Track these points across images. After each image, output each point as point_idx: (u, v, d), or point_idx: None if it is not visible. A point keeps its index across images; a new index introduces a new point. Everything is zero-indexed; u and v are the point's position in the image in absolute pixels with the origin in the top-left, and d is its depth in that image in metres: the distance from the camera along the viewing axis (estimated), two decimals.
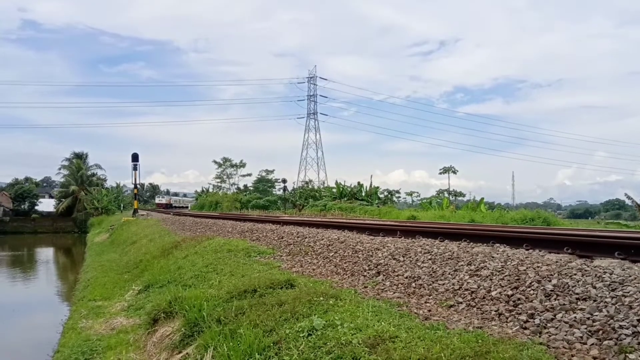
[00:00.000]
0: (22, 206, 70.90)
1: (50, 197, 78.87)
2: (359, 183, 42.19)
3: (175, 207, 76.62)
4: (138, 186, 44.92)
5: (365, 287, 6.06)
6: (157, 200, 71.83)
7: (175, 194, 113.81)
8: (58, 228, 64.58)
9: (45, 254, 40.34)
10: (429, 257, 6.28)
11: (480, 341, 3.51)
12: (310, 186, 63.23)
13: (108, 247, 25.87)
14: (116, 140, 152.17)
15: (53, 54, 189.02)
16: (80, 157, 71.92)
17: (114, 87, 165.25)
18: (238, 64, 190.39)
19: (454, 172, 74.80)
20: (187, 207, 78.94)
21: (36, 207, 72.01)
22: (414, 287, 5.61)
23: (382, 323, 4.13)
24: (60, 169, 71.82)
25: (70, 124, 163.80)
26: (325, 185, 66.09)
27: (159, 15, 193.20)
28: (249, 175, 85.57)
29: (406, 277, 5.95)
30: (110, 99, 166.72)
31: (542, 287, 4.42)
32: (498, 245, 6.41)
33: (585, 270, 4.50)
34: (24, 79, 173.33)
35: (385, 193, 45.11)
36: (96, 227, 45.62)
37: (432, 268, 5.88)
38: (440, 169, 75.57)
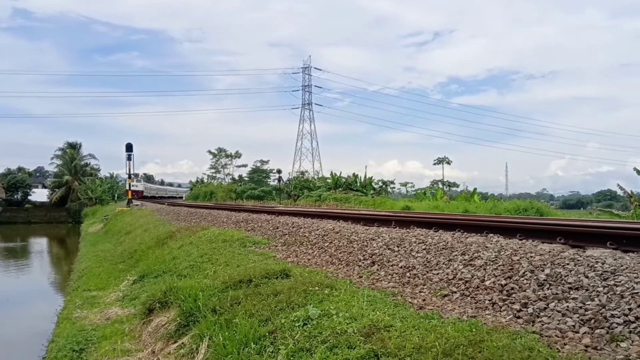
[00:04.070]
0: (15, 196, 70.36)
1: (44, 187, 78.32)
2: (354, 174, 42.22)
3: (153, 197, 67.77)
4: (132, 176, 44.66)
5: (360, 276, 6.09)
6: (131, 188, 48.99)
7: (150, 179, 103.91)
8: (52, 218, 64.23)
9: (39, 244, 40.17)
10: (424, 247, 6.32)
11: (474, 330, 3.54)
12: (305, 177, 63.13)
13: (102, 237, 25.78)
14: (110, 130, 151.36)
15: (46, 43, 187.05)
16: (73, 147, 71.42)
17: (108, 76, 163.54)
18: (232, 54, 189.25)
19: (448, 163, 74.88)
20: (181, 198, 77.93)
21: (29, 197, 71.50)
22: (409, 277, 5.64)
23: (377, 312, 4.16)
24: (53, 158, 71.37)
25: (64, 113, 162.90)
26: (320, 175, 66.06)
27: (152, 4, 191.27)
28: (244, 165, 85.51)
29: (401, 267, 5.98)
30: (104, 88, 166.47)
31: (535, 277, 4.45)
32: (492, 235, 6.44)
33: (578, 260, 4.54)
34: (17, 68, 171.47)
35: (380, 183, 45.10)
36: (90, 217, 45.41)
37: (427, 258, 5.92)
38: (435, 160, 75.67)
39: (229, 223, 14.10)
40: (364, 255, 6.88)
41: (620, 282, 3.90)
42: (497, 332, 3.50)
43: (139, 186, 68.07)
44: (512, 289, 4.45)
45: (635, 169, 17.41)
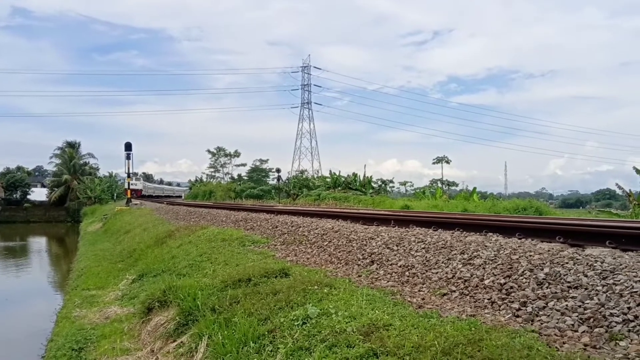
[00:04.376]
0: (14, 195, 70.34)
1: (43, 186, 78.24)
2: (354, 174, 42.19)
3: (151, 196, 66.11)
4: (131, 175, 44.52)
5: (360, 275, 6.08)
6: (130, 187, 45.20)
7: (149, 178, 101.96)
8: (51, 217, 64.24)
9: (38, 243, 40.14)
10: (423, 246, 6.31)
11: (473, 329, 3.54)
12: (304, 176, 63.12)
13: (101, 236, 25.78)
14: (109, 129, 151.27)
15: (45, 42, 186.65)
16: (72, 146, 71.39)
17: (107, 75, 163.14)
18: (232, 53, 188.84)
19: (447, 162, 75.20)
20: (180, 197, 77.74)
21: (28, 197, 71.50)
22: (408, 276, 5.64)
23: (376, 311, 4.16)
24: (52, 157, 71.44)
25: (63, 112, 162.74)
26: (319, 174, 66.05)
27: (151, 3, 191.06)
28: (243, 165, 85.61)
29: (400, 266, 5.98)
30: (103, 87, 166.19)
31: (534, 276, 4.46)
32: (491, 234, 6.45)
33: (577, 259, 4.54)
34: (15, 67, 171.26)
35: (379, 183, 45.08)
36: (89, 217, 45.40)
37: (426, 257, 5.92)
38: (434, 159, 75.96)
39: (228, 222, 14.10)
40: (363, 254, 6.88)
41: (619, 281, 3.90)
42: (496, 331, 3.50)
43: (138, 184, 66.94)
44: (511, 287, 4.45)
45: (634, 168, 17.40)
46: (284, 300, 4.89)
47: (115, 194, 63.08)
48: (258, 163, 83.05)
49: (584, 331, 3.47)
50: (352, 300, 4.58)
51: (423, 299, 4.78)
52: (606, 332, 3.38)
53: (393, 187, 51.53)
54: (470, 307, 4.37)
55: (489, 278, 4.79)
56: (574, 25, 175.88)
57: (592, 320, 3.56)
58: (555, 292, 4.07)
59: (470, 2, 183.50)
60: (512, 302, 4.22)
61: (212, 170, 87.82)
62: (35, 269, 24.18)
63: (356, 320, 3.99)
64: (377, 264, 6.36)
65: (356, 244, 7.39)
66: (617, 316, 3.48)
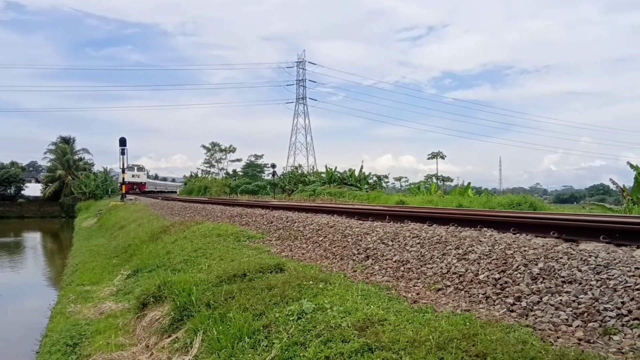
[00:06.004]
0: (8, 191, 69.90)
1: (37, 181, 77.78)
2: (351, 170, 42.15)
3: (152, 192, 60.53)
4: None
5: (355, 271, 6.09)
6: (129, 179, 41.67)
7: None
8: (45, 213, 63.91)
9: (33, 238, 39.94)
10: (418, 241, 6.32)
11: (467, 324, 3.55)
12: (299, 171, 62.99)
13: (96, 232, 25.67)
14: (104, 125, 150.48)
15: (38, 37, 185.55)
16: (67, 141, 70.90)
17: (102, 70, 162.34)
18: (227, 48, 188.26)
19: (442, 158, 75.41)
20: (175, 192, 77.36)
21: (22, 192, 71.06)
22: (403, 271, 5.65)
23: (371, 306, 4.16)
24: (46, 153, 71.00)
25: (57, 107, 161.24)
26: (315, 170, 66.00)
27: None
28: (239, 160, 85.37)
29: (395, 261, 5.99)
30: (98, 82, 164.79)
31: (528, 271, 4.47)
32: (485, 229, 6.46)
33: (571, 254, 4.56)
34: (9, 61, 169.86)
35: (374, 178, 45.11)
36: (84, 212, 45.21)
37: (421, 252, 5.93)
38: (429, 154, 76.12)
39: (223, 217, 14.07)
40: (358, 250, 6.88)
41: (613, 275, 3.92)
42: (491, 325, 3.51)
43: (141, 176, 62.56)
44: (506, 282, 4.46)
45: (628, 163, 17.52)
46: (279, 295, 4.88)
47: (110, 190, 62.61)
48: (253, 158, 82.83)
49: (578, 326, 3.49)
50: (347, 295, 4.58)
51: (418, 294, 4.79)
52: (600, 326, 3.40)
53: (388, 182, 51.60)
54: (465, 302, 4.39)
55: (483, 273, 4.80)
56: (569, 20, 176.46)
57: (586, 314, 3.57)
58: (550, 287, 4.09)
59: None
60: (507, 297, 4.23)
61: (207, 165, 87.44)
62: (30, 264, 24.06)
63: (351, 315, 3.99)
64: (372, 259, 6.36)
65: (351, 239, 7.39)
66: (611, 311, 3.50)
